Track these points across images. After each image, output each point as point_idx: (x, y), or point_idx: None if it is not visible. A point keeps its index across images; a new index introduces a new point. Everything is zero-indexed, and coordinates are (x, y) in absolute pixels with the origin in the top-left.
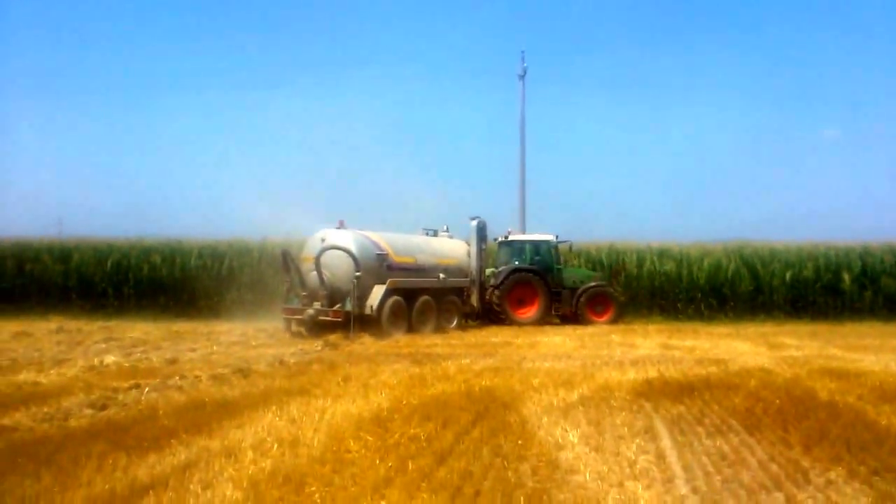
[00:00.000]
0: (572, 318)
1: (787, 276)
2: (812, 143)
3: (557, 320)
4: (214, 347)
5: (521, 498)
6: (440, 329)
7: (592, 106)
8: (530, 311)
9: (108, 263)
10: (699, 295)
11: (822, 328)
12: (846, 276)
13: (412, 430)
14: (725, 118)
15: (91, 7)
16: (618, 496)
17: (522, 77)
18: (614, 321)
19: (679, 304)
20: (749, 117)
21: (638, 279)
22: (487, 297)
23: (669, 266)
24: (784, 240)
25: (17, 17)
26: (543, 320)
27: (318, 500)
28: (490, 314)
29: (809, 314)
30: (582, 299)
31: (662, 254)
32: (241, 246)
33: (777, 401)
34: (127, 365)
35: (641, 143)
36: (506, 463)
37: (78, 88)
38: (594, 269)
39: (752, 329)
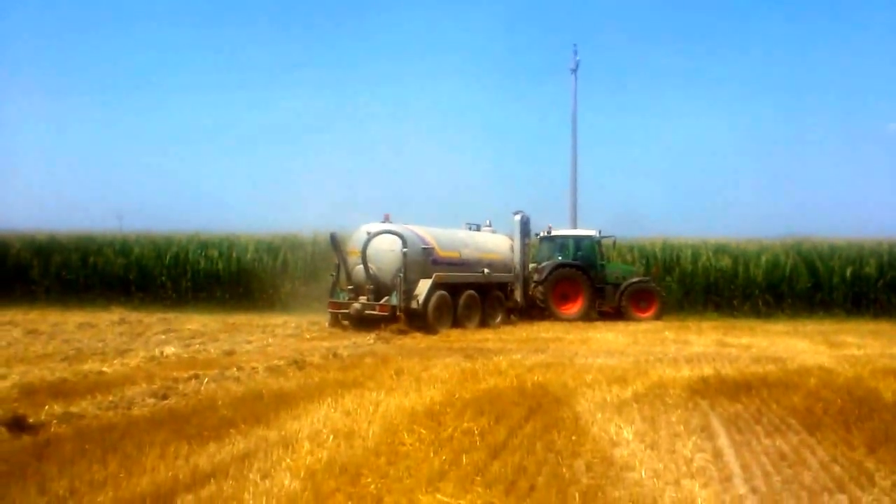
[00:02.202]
0: (615, 314)
1: (848, 272)
2: (876, 136)
3: (598, 316)
4: (270, 340)
5: (576, 494)
6: (485, 324)
7: (643, 99)
8: (574, 307)
9: (167, 257)
10: (756, 292)
11: (885, 327)
12: None
13: (465, 424)
14: (775, 112)
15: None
16: (674, 494)
17: (574, 71)
18: (658, 317)
19: (735, 301)
20: (804, 110)
21: (692, 275)
22: (531, 292)
23: (725, 262)
24: (844, 235)
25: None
26: (587, 316)
27: (374, 492)
28: (533, 309)
29: (871, 312)
30: (625, 295)
31: (718, 249)
32: (295, 240)
33: (838, 400)
34: (186, 356)
35: (694, 136)
36: (560, 459)
37: (135, 85)
38: (647, 265)
39: (811, 327)
